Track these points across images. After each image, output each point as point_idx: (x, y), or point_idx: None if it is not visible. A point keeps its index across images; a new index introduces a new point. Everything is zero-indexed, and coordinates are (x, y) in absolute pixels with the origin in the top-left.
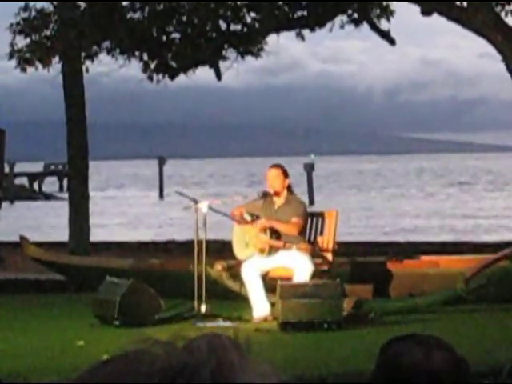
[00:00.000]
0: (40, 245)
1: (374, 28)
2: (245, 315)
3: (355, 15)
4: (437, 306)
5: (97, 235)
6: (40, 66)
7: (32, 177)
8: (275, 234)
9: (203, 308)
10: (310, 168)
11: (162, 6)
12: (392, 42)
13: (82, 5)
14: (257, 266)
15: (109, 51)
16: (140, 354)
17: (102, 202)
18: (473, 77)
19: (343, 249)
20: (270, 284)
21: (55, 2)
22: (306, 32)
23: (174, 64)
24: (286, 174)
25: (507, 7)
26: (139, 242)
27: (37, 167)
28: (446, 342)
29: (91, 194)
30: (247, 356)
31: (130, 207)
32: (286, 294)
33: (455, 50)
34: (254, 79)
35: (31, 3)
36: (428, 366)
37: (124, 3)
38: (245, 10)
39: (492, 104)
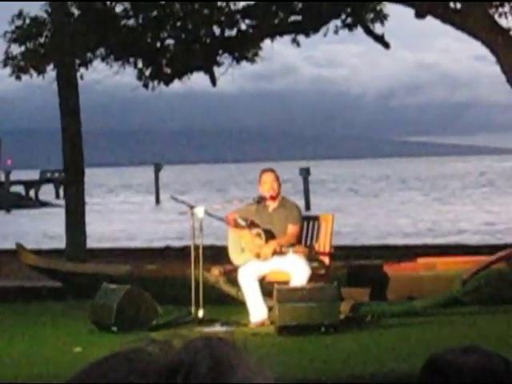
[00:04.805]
0: (37, 252)
1: (368, 32)
2: (242, 320)
3: (349, 20)
4: (434, 309)
5: (93, 242)
6: (35, 74)
7: (28, 185)
8: (271, 238)
9: (200, 313)
10: (305, 173)
11: (155, 13)
12: (386, 45)
13: (76, 12)
14: (253, 270)
15: (103, 58)
16: (136, 352)
17: (99, 208)
18: (467, 79)
19: (340, 252)
20: (267, 288)
21: (49, 10)
22: (300, 37)
23: (168, 70)
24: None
25: (500, 9)
26: (136, 248)
27: (33, 175)
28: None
29: (87, 200)
30: (244, 354)
31: (126, 213)
32: (283, 297)
33: (450, 52)
34: (249, 84)
35: (25, 11)
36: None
37: (118, 10)
38: (239, 15)
39: (487, 106)
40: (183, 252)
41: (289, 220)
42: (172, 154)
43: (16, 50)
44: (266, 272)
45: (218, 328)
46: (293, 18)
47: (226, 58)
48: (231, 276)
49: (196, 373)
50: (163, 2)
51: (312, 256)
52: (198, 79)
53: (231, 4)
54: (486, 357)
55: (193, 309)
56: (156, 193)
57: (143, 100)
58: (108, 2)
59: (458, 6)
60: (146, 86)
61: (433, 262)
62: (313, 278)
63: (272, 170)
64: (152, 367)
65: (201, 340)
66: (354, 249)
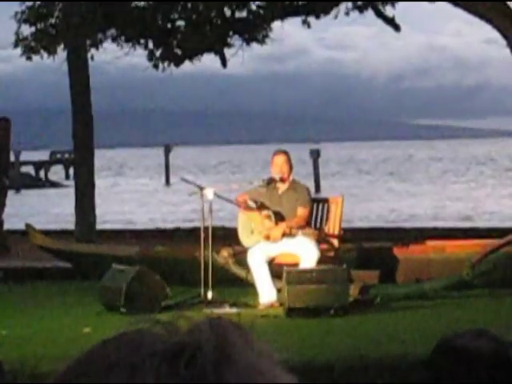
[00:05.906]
0: (46, 233)
1: (379, 14)
2: (251, 301)
3: (360, 2)
4: (443, 292)
5: (103, 223)
6: (45, 55)
7: (38, 165)
8: (280, 220)
9: (209, 294)
10: (316, 154)
11: None
12: (397, 28)
13: None
14: (263, 252)
15: (114, 39)
16: (140, 333)
17: (108, 189)
18: (478, 63)
19: (349, 235)
20: (276, 270)
21: None
22: (310, 19)
23: (179, 51)
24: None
25: None
26: (146, 229)
27: (43, 156)
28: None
29: (97, 181)
30: (250, 336)
31: (135, 194)
32: (292, 279)
33: (460, 36)
34: (260, 66)
35: None
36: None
37: None
38: None
39: (497, 90)
40: (193, 233)
41: (298, 202)
42: (182, 135)
43: (26, 30)
44: (275, 254)
45: (227, 309)
46: None
47: (236, 40)
48: (241, 257)
49: (200, 355)
50: None
51: (321, 238)
52: (209, 61)
53: None
54: (497, 342)
55: (202, 290)
56: (166, 174)
57: (154, 81)
58: None
59: None
60: (156, 66)
61: (442, 245)
62: (322, 260)
63: (283, 152)
64: (156, 349)
65: (206, 321)
66: (364, 231)
